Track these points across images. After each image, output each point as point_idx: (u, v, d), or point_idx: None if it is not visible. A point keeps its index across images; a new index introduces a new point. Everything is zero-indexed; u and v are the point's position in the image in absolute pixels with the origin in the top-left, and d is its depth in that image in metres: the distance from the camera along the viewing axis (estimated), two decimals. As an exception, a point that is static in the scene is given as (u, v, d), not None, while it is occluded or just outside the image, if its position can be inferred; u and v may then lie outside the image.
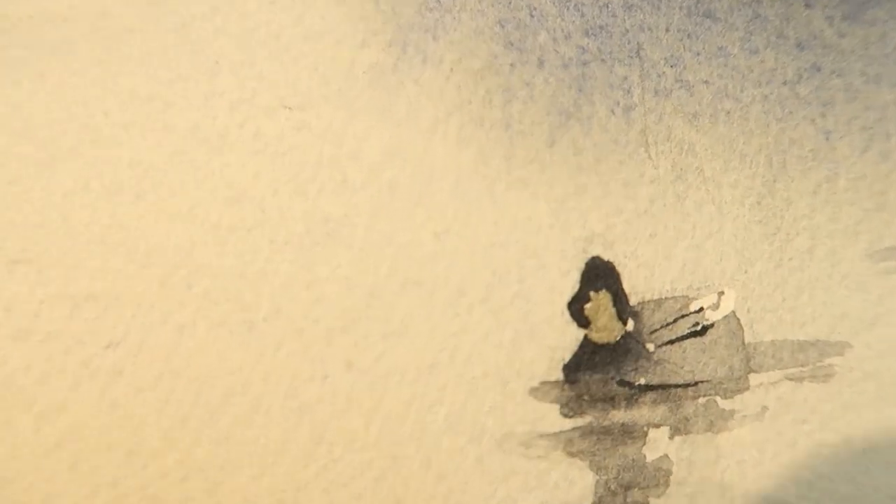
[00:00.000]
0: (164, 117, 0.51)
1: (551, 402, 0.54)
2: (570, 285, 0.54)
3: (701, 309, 0.55)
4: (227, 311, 0.52)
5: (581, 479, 0.54)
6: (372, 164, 0.53)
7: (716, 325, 0.55)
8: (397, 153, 0.53)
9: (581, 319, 0.54)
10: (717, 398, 0.55)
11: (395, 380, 0.53)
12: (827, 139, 0.55)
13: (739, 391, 0.55)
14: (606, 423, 0.54)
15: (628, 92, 0.54)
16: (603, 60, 0.54)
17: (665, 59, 0.55)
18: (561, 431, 0.54)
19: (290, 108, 0.52)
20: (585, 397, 0.54)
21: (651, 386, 0.55)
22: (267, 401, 0.52)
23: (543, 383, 0.54)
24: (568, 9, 0.54)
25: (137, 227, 0.51)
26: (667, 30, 0.54)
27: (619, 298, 0.54)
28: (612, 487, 0.54)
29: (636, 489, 0.54)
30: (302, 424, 0.52)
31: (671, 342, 0.55)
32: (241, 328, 0.52)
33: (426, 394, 0.53)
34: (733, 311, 0.55)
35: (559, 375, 0.54)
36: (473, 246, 0.54)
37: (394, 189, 0.53)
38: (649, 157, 0.55)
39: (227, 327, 0.51)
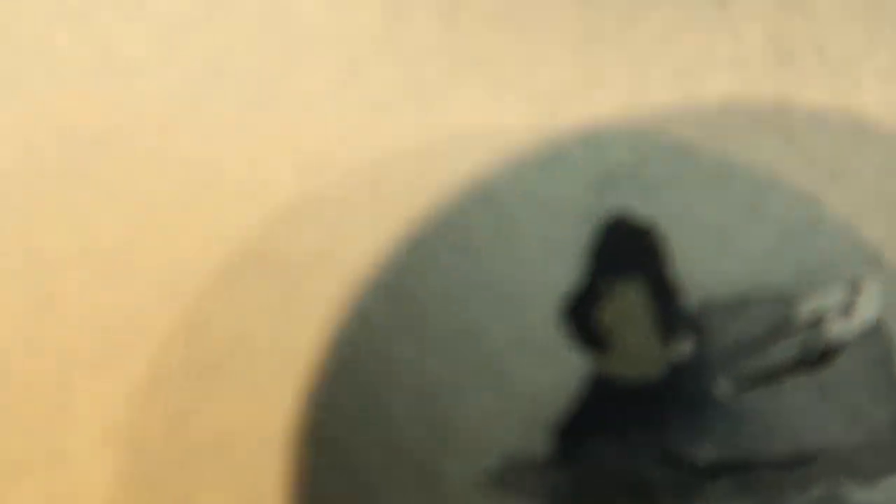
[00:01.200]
0: None
1: (526, 499, 0.31)
2: (569, 267, 0.33)
3: (820, 318, 0.34)
4: None
5: None
6: None
7: (847, 345, 0.34)
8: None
9: (590, 334, 0.33)
10: (849, 485, 0.34)
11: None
12: None
13: (889, 472, 0.35)
14: (636, 540, 0.32)
15: None
16: None
17: None
18: (546, 559, 0.31)
19: None
20: (594, 489, 0.32)
21: (726, 465, 0.34)
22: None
23: (512, 461, 0.32)
24: None
25: None
26: None
27: (664, 295, 0.33)
28: None
29: None
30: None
31: (763, 379, 0.34)
32: None
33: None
34: (879, 319, 0.34)
35: (544, 446, 0.32)
36: (378, 166, 0.30)
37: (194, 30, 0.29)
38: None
39: None
